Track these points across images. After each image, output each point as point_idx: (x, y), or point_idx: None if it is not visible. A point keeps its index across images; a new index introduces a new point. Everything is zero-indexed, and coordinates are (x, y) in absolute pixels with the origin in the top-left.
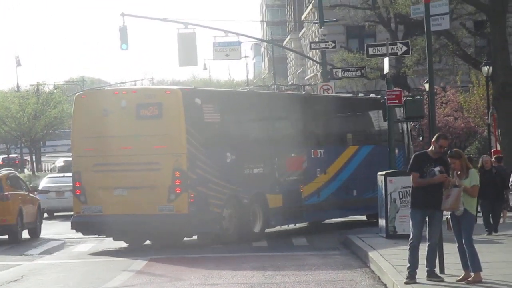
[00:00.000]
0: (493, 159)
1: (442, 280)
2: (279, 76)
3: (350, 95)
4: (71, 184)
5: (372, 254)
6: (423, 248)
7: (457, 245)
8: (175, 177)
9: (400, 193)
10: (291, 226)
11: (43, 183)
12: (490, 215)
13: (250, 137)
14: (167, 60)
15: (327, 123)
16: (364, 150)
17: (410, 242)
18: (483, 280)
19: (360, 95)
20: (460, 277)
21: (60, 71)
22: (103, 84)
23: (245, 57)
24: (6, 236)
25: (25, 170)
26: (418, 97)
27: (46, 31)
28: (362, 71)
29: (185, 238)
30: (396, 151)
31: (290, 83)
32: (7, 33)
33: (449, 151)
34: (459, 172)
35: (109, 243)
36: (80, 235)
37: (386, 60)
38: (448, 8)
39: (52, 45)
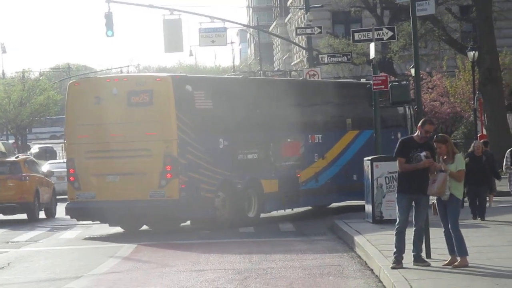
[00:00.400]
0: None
1: (429, 265)
2: (265, 62)
3: (351, 80)
4: None
5: (358, 239)
6: (410, 233)
7: (443, 229)
8: (166, 163)
9: (387, 178)
10: (288, 211)
11: (44, 169)
12: (477, 201)
13: (244, 123)
14: (153, 46)
15: (325, 109)
16: (365, 135)
17: (396, 227)
18: (469, 265)
19: (363, 80)
20: (447, 262)
21: (45, 58)
22: (89, 71)
23: (231, 43)
24: (25, 216)
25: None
26: (404, 82)
27: (31, 18)
28: (348, 56)
29: (182, 223)
30: (399, 135)
31: (276, 69)
32: None
33: (435, 136)
34: (445, 157)
35: (97, 230)
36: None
37: (372, 46)
38: None
39: (38, 32)
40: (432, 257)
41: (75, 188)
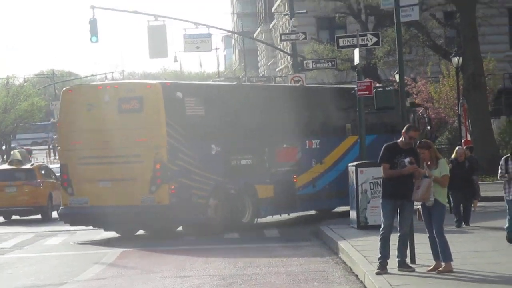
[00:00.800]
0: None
1: (413, 270)
2: (250, 68)
3: (349, 85)
4: None
5: (343, 245)
6: (394, 239)
7: (428, 235)
8: (156, 169)
9: (371, 184)
10: (276, 217)
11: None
12: (461, 207)
13: (238, 129)
14: (138, 52)
15: (323, 114)
16: (366, 140)
17: (381, 232)
18: (453, 270)
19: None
20: (431, 267)
21: (30, 64)
22: (74, 77)
23: (216, 49)
24: (39, 216)
25: None
26: (389, 88)
27: (15, 24)
28: (333, 62)
29: (178, 228)
30: None
31: (261, 74)
32: None
33: (418, 142)
34: (429, 163)
35: (81, 236)
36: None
37: (357, 51)
38: None
39: (22, 38)
40: (416, 263)
41: (68, 193)
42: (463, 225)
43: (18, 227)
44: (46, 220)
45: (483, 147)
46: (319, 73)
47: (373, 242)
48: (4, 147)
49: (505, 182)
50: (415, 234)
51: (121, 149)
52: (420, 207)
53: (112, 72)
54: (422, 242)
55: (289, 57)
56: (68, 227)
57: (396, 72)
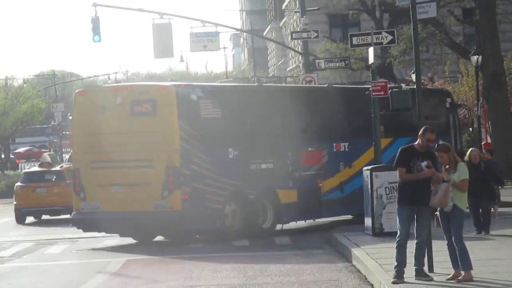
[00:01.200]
0: (483, 151)
1: (431, 279)
2: (260, 68)
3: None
4: None
5: (357, 253)
6: (411, 246)
7: (447, 242)
8: (168, 174)
9: (387, 188)
10: (300, 222)
11: None
12: (480, 213)
13: (258, 133)
14: (142, 52)
15: (352, 116)
16: (399, 142)
17: (397, 239)
18: (474, 279)
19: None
20: (450, 276)
21: (30, 64)
22: (75, 77)
23: (224, 48)
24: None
25: None
26: (405, 88)
27: (14, 23)
28: (346, 61)
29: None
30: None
31: (271, 74)
32: None
33: (436, 145)
34: (447, 166)
35: (84, 244)
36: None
37: (371, 50)
38: None
39: (21, 38)
40: (435, 271)
41: (80, 198)
42: (483, 232)
43: (46, 227)
44: None
45: (504, 149)
46: (332, 72)
47: (389, 249)
48: (3, 152)
49: None
50: (433, 241)
51: (133, 153)
52: (438, 212)
53: (116, 73)
54: (440, 249)
55: (300, 56)
56: (69, 235)
57: (412, 71)
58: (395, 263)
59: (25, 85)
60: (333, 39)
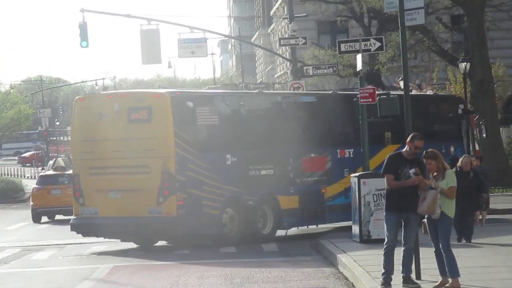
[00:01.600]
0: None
1: (419, 287)
2: (248, 74)
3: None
4: None
5: (345, 259)
6: (399, 253)
7: (434, 249)
8: (163, 180)
9: (374, 195)
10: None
11: None
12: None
13: (257, 139)
14: (130, 58)
15: (357, 123)
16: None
17: (385, 246)
18: (461, 286)
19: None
20: (438, 283)
21: (16, 70)
22: (62, 83)
23: (212, 54)
24: None
25: None
26: (393, 95)
27: (1, 29)
28: (334, 68)
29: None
30: (451, 149)
31: (259, 81)
32: None
33: (424, 152)
34: (435, 174)
35: (71, 250)
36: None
37: (359, 57)
38: (423, 2)
39: (8, 43)
40: (422, 278)
41: (79, 203)
42: (463, 240)
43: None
44: None
45: (492, 157)
46: (320, 79)
47: (376, 256)
48: None
49: None
50: (420, 248)
51: (130, 159)
52: (425, 220)
53: (103, 79)
54: (428, 256)
55: (288, 62)
56: (56, 241)
57: (400, 78)
58: (383, 270)
59: (12, 90)
60: (321, 45)
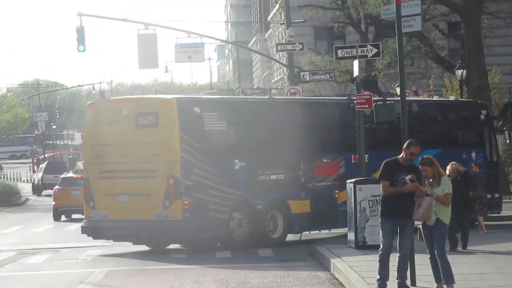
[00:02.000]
0: (472, 165)
1: None
2: (244, 79)
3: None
4: None
5: (340, 265)
6: (394, 259)
7: (429, 256)
8: (170, 184)
9: (370, 201)
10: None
11: None
12: (458, 228)
13: (267, 145)
14: (127, 62)
15: (371, 128)
16: (427, 153)
17: (380, 253)
18: None
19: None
20: None
21: (13, 73)
22: (59, 87)
23: (209, 59)
24: None
25: None
26: (389, 101)
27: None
28: (331, 74)
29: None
30: (473, 155)
31: (255, 86)
32: None
33: (420, 158)
34: (431, 180)
35: (66, 254)
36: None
37: (356, 63)
38: (420, 8)
39: (5, 47)
40: (417, 285)
41: (90, 207)
42: (459, 248)
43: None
44: None
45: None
46: (317, 85)
47: (371, 262)
48: None
49: None
50: (415, 254)
51: (138, 164)
52: (421, 226)
53: (100, 83)
54: (423, 263)
55: (285, 68)
56: (52, 245)
57: (397, 85)
58: (378, 276)
59: (8, 94)
60: (318, 51)
